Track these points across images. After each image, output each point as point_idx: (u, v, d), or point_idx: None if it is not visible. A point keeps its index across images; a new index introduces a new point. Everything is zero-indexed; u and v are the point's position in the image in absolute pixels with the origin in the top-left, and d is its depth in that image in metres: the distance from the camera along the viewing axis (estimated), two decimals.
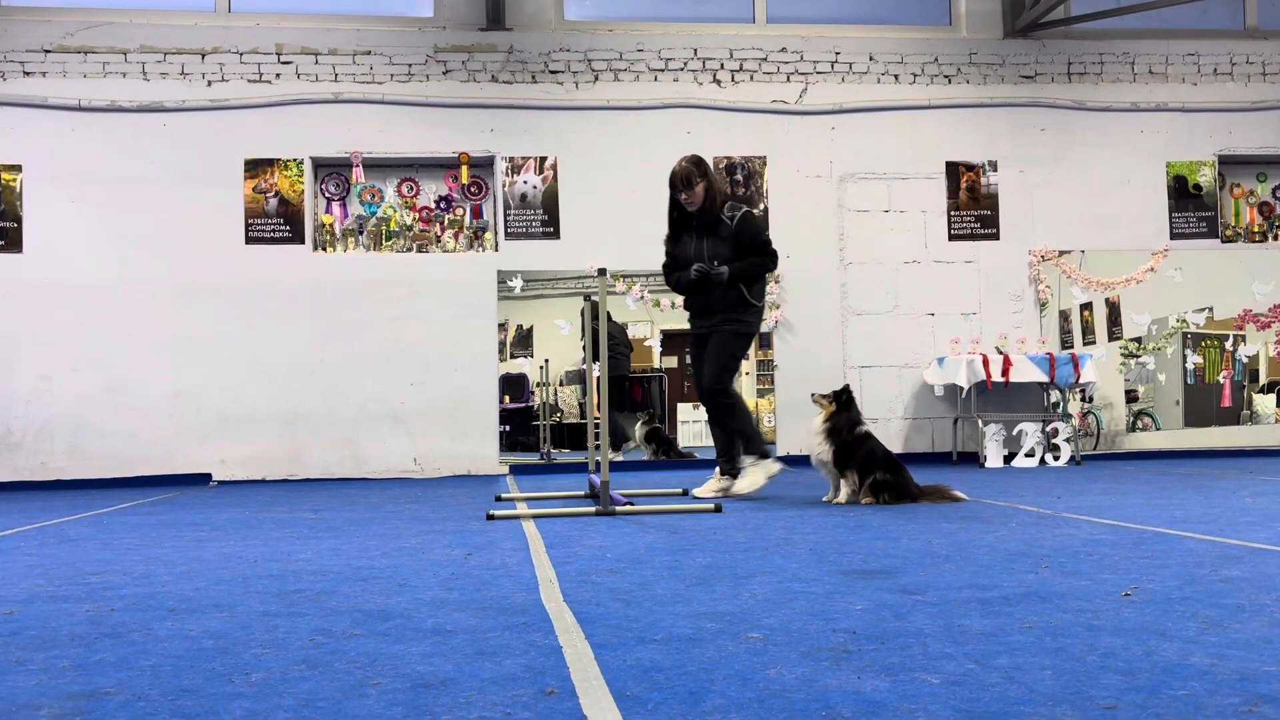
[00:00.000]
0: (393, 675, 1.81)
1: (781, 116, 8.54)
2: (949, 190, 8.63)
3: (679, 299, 8.72)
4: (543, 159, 8.33)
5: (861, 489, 4.94)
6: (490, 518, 4.58)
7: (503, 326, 8.71)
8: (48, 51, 7.97)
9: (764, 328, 8.73)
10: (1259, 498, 4.83)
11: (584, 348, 6.71)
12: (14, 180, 7.92)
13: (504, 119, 8.31)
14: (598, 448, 5.69)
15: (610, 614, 2.32)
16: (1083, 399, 8.69)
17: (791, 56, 8.57)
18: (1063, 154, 8.72)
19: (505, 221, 8.28)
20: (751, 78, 8.54)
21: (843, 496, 4.99)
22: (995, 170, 8.66)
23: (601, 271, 4.77)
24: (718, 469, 5.59)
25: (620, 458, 8.93)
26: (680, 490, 5.69)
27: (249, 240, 8.05)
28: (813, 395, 5.24)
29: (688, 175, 5.46)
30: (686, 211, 5.55)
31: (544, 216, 8.32)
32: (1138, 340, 8.87)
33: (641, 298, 8.52)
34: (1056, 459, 8.03)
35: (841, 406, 5.06)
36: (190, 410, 7.91)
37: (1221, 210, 8.91)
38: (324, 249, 8.22)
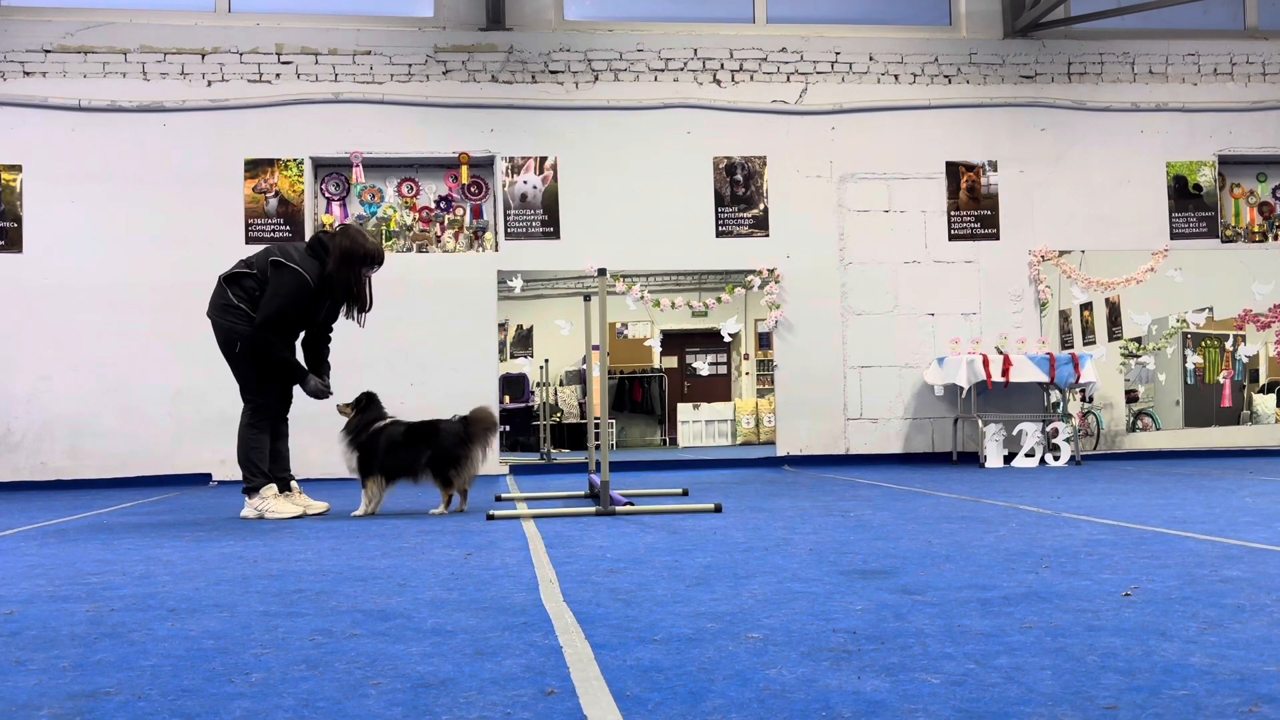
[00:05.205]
0: (393, 675, 1.81)
1: (781, 116, 8.54)
2: (949, 190, 8.63)
3: (679, 299, 8.76)
4: (543, 159, 8.33)
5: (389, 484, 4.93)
6: (490, 518, 4.58)
7: (503, 326, 8.73)
8: (48, 51, 7.97)
9: (764, 327, 8.74)
10: (1259, 498, 4.83)
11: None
12: (14, 180, 7.92)
13: (504, 119, 8.31)
14: (598, 447, 5.69)
15: (610, 614, 2.31)
16: (1083, 399, 8.69)
17: (791, 56, 8.57)
18: (1063, 154, 8.72)
19: (505, 221, 8.28)
20: (751, 78, 8.53)
21: (360, 510, 4.92)
22: (995, 170, 8.66)
23: (601, 271, 4.77)
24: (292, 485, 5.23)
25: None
26: (681, 490, 5.69)
27: (249, 240, 8.04)
28: (338, 406, 5.17)
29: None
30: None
31: (544, 216, 8.32)
32: (1138, 340, 8.87)
33: (641, 298, 8.52)
34: (1056, 459, 8.03)
35: (360, 410, 5.00)
36: (190, 410, 7.90)
37: (1221, 210, 8.91)
38: None
